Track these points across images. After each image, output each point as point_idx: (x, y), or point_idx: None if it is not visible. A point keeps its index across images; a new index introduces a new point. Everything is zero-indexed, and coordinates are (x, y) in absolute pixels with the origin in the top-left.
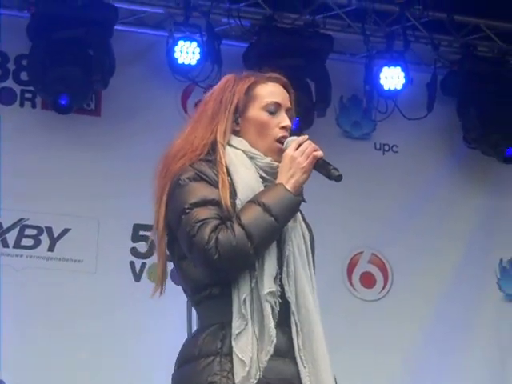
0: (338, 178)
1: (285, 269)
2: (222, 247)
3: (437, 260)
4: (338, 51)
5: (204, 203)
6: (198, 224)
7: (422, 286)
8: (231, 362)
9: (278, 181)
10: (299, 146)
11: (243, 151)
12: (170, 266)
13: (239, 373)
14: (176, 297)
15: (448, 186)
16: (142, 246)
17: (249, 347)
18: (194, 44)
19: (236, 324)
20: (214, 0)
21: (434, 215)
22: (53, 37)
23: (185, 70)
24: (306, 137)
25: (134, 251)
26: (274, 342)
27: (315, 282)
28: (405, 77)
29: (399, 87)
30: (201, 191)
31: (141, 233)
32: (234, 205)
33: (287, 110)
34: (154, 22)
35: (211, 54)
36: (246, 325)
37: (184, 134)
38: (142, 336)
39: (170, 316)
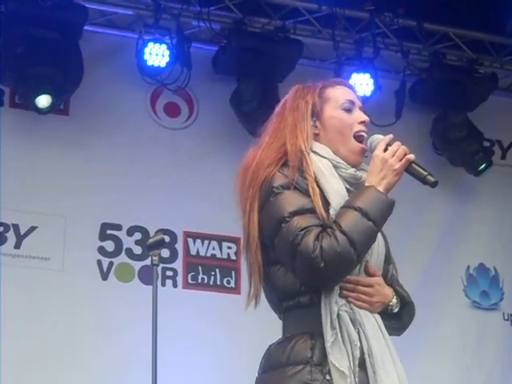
0: (434, 184)
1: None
2: (328, 255)
3: (405, 266)
4: (308, 57)
5: (303, 211)
6: (302, 232)
7: None
8: (321, 372)
9: (367, 183)
10: (387, 146)
11: (328, 159)
12: (138, 265)
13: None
14: (143, 296)
15: (417, 191)
16: (109, 245)
17: (344, 356)
18: (164, 46)
19: (329, 334)
20: (185, 3)
21: (402, 221)
22: (23, 35)
23: (154, 72)
24: (392, 136)
25: (101, 250)
26: (358, 344)
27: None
28: (374, 83)
29: (368, 94)
30: (297, 200)
31: (108, 232)
32: (327, 214)
33: (361, 108)
34: (124, 23)
35: (180, 57)
36: (336, 334)
37: (264, 144)
38: (108, 335)
39: (136, 315)
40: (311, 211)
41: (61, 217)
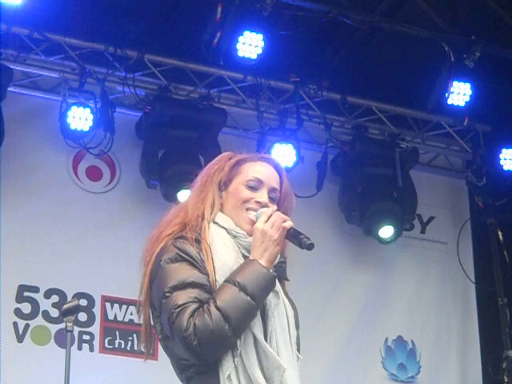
0: (310, 247)
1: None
2: (201, 333)
3: (325, 338)
4: (231, 126)
5: (183, 286)
6: (177, 310)
7: (309, 364)
8: None
9: (251, 256)
10: (269, 218)
11: (226, 229)
12: (54, 328)
13: None
14: (59, 359)
15: (336, 264)
16: (26, 307)
17: None
18: (88, 110)
19: None
20: (110, 67)
21: (322, 293)
22: None
23: (77, 135)
24: (275, 208)
25: (17, 312)
26: None
27: (295, 358)
28: (296, 154)
29: (290, 165)
30: (180, 273)
31: (25, 293)
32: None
33: (271, 190)
34: (49, 85)
35: (104, 121)
36: None
37: (178, 206)
38: None
39: (52, 379)
40: (193, 285)
41: None
